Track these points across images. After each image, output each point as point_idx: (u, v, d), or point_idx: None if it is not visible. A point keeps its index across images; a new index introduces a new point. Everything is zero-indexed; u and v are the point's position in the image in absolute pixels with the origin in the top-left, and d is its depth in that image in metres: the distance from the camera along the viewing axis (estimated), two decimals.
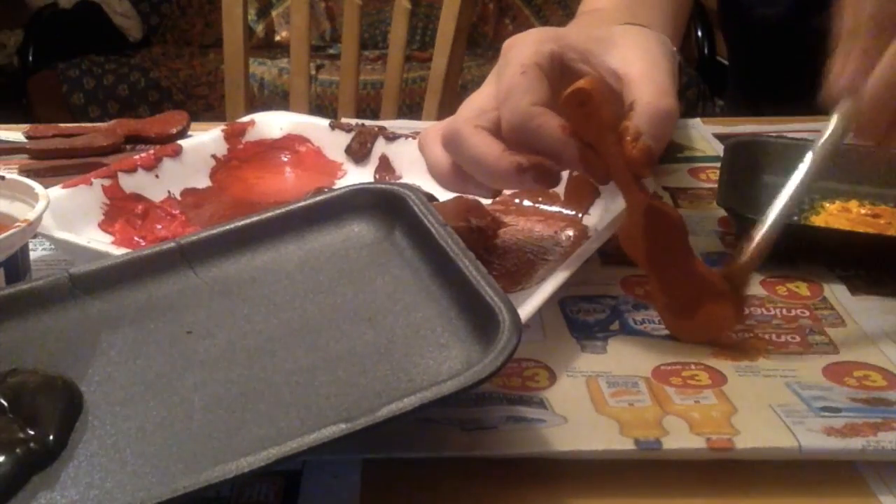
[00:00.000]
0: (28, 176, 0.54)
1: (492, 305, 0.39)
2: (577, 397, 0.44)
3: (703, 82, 2.52)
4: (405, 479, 0.40)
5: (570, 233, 0.60)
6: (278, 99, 2.45)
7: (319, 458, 0.41)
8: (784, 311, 0.53)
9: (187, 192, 0.66)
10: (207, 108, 2.57)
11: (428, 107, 1.41)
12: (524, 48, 0.50)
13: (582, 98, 0.45)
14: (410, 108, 2.12)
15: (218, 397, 0.39)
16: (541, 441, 0.41)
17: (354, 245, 0.47)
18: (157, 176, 0.65)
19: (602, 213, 0.60)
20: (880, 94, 0.45)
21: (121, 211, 0.61)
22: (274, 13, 2.84)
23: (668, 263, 0.49)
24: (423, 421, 0.42)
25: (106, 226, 0.60)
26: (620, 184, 0.48)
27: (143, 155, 0.65)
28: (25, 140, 0.79)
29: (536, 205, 0.63)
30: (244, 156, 0.71)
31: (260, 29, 2.81)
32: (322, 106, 2.35)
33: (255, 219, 0.48)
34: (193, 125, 0.80)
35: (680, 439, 0.41)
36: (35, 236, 0.54)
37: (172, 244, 0.46)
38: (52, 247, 0.60)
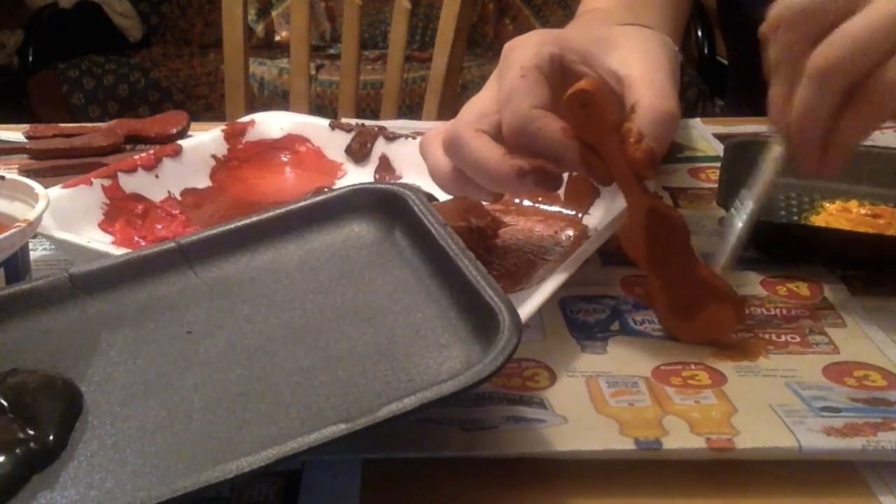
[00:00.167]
0: (28, 176, 0.54)
1: (492, 305, 0.39)
2: (577, 397, 0.44)
3: (703, 82, 2.52)
4: (405, 479, 0.40)
5: (570, 233, 0.60)
6: (278, 99, 2.45)
7: (319, 458, 0.41)
8: (784, 311, 0.53)
9: (187, 192, 0.66)
10: (207, 108, 2.57)
11: (428, 107, 1.41)
12: (524, 51, 0.50)
13: (584, 99, 0.45)
14: (410, 108, 2.12)
15: (218, 397, 0.39)
16: (541, 441, 0.41)
17: (354, 245, 0.47)
18: (157, 176, 0.65)
19: (602, 213, 0.60)
20: (802, 129, 0.47)
21: (121, 211, 0.61)
22: (274, 13, 2.84)
23: (670, 264, 0.49)
24: (423, 421, 0.42)
25: (106, 226, 0.60)
26: (622, 185, 0.48)
27: (143, 155, 0.65)
28: (25, 140, 0.79)
29: (536, 205, 0.63)
30: (244, 156, 0.71)
31: (260, 29, 2.81)
32: (322, 106, 2.35)
33: (255, 219, 0.48)
34: (193, 125, 0.80)
35: (680, 439, 0.41)
36: (35, 236, 0.54)
37: (172, 244, 0.46)
38: (52, 247, 0.60)
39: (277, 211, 0.48)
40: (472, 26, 2.19)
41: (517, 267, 0.55)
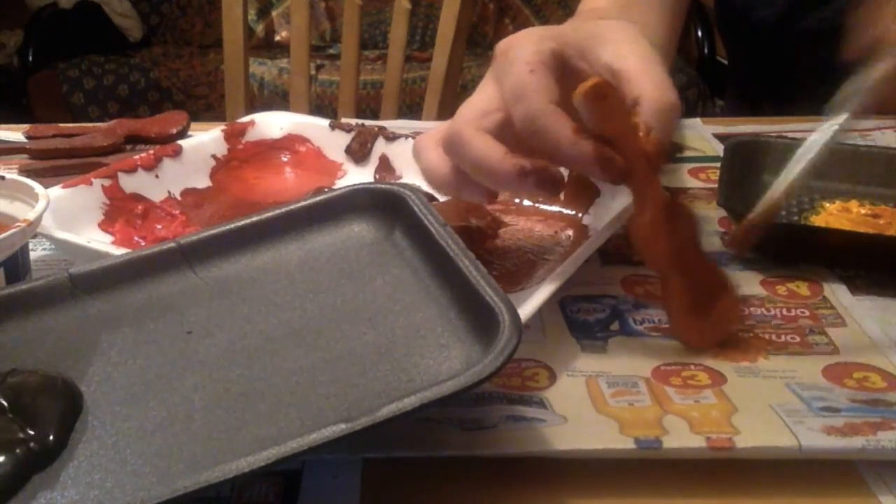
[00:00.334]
0: (28, 176, 0.54)
1: (492, 305, 0.39)
2: (577, 397, 0.44)
3: (703, 82, 2.52)
4: (405, 479, 0.41)
5: (570, 233, 0.60)
6: (278, 99, 2.45)
7: (319, 458, 0.41)
8: (784, 311, 0.53)
9: (187, 192, 0.66)
10: (207, 108, 2.57)
11: (428, 107, 1.41)
12: (525, 48, 0.49)
13: (604, 91, 0.44)
14: (410, 108, 2.12)
15: (218, 397, 0.39)
16: (541, 441, 0.41)
17: (354, 245, 0.47)
18: (157, 176, 0.65)
19: (602, 213, 0.60)
20: None
21: (121, 211, 0.61)
22: (274, 13, 2.84)
23: (689, 259, 0.48)
24: (423, 421, 0.42)
25: (106, 226, 0.60)
26: (639, 181, 0.47)
27: (143, 155, 0.65)
28: (25, 140, 0.79)
29: (536, 205, 0.63)
30: (244, 156, 0.71)
31: (260, 29, 2.81)
32: (322, 106, 2.35)
33: (255, 219, 0.48)
34: (193, 125, 0.80)
35: (680, 438, 0.41)
36: (35, 236, 0.54)
37: (172, 244, 0.46)
38: (52, 247, 0.60)
39: (277, 211, 0.48)
40: (472, 26, 2.19)
41: (517, 267, 0.55)
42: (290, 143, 0.72)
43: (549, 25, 0.54)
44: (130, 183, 0.63)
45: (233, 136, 0.71)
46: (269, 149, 0.72)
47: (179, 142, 0.68)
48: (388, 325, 0.42)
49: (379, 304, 0.44)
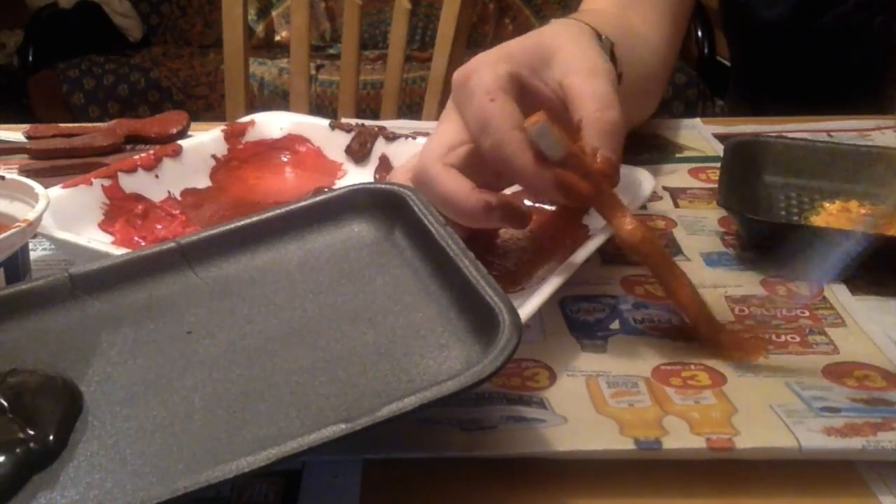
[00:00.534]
0: (28, 176, 0.54)
1: (492, 305, 0.39)
2: (577, 397, 0.44)
3: (703, 82, 2.52)
4: (405, 479, 0.41)
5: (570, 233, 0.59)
6: (278, 99, 2.45)
7: (319, 458, 0.41)
8: (784, 311, 0.53)
9: (187, 192, 0.66)
10: (207, 108, 2.57)
11: (428, 107, 1.41)
12: (483, 76, 0.49)
13: (546, 125, 0.46)
14: (410, 108, 2.12)
15: (218, 397, 0.39)
16: (541, 441, 0.41)
17: (354, 245, 0.47)
18: (157, 176, 0.65)
19: None
20: None
21: (121, 211, 0.61)
22: (274, 13, 2.84)
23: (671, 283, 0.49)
24: (423, 421, 0.42)
25: (106, 226, 0.60)
26: (601, 201, 0.48)
27: (143, 155, 0.65)
28: (25, 140, 0.79)
29: (536, 205, 0.63)
30: (244, 156, 0.71)
31: (260, 29, 2.81)
32: (322, 106, 2.35)
33: (255, 219, 0.48)
34: (193, 125, 0.80)
35: (680, 439, 0.41)
36: (35, 236, 0.54)
37: (172, 244, 0.46)
38: (52, 247, 0.60)
39: (277, 211, 0.48)
40: (472, 26, 2.19)
41: (517, 267, 0.55)
42: (290, 143, 0.72)
43: (500, 44, 0.54)
44: (130, 183, 0.63)
45: (233, 136, 0.71)
46: (269, 149, 0.72)
47: (179, 142, 0.68)
48: (388, 325, 0.42)
49: (379, 304, 0.44)
